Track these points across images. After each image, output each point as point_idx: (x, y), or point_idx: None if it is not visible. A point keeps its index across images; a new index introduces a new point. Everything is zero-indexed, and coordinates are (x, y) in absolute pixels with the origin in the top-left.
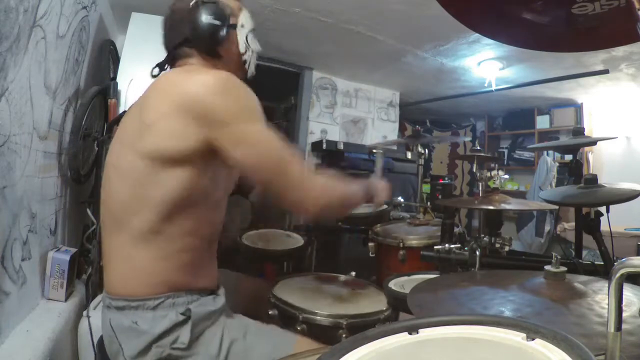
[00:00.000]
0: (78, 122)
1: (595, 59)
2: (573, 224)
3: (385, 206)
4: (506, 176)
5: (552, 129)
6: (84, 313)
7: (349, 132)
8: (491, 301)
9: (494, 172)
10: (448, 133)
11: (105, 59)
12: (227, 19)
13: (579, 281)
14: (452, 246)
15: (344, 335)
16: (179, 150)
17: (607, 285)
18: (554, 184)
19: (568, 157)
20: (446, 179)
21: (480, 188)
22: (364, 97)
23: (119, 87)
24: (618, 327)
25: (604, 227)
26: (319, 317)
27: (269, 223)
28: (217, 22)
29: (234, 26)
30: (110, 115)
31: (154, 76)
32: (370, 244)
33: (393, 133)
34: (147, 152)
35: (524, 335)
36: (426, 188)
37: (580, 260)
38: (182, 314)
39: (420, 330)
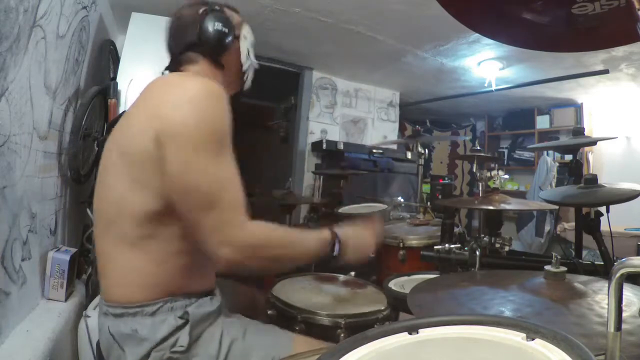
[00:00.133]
0: (78, 122)
1: (595, 59)
2: (573, 224)
3: (385, 206)
4: (506, 176)
5: (552, 129)
6: (84, 313)
7: (349, 132)
8: (491, 301)
9: (494, 172)
10: (448, 133)
11: (105, 59)
12: (233, 28)
13: (579, 281)
14: (452, 246)
15: (342, 335)
16: (149, 152)
17: (607, 285)
18: (554, 184)
19: (568, 157)
20: (446, 179)
21: (480, 188)
22: (364, 97)
23: (119, 87)
24: (618, 327)
25: (604, 227)
26: (317, 317)
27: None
28: (225, 30)
29: (238, 37)
30: (110, 115)
31: None
32: None
33: (393, 133)
34: (129, 154)
35: (524, 335)
36: (426, 188)
37: (580, 260)
38: (181, 317)
39: (420, 330)
